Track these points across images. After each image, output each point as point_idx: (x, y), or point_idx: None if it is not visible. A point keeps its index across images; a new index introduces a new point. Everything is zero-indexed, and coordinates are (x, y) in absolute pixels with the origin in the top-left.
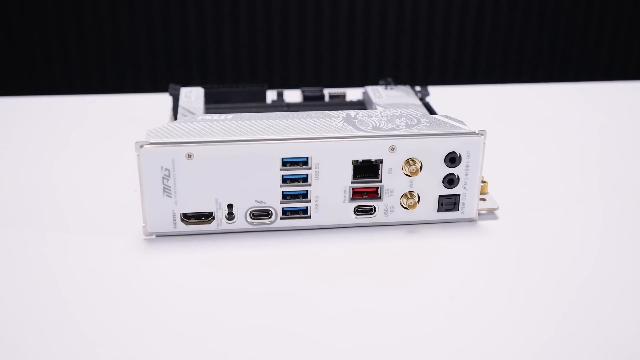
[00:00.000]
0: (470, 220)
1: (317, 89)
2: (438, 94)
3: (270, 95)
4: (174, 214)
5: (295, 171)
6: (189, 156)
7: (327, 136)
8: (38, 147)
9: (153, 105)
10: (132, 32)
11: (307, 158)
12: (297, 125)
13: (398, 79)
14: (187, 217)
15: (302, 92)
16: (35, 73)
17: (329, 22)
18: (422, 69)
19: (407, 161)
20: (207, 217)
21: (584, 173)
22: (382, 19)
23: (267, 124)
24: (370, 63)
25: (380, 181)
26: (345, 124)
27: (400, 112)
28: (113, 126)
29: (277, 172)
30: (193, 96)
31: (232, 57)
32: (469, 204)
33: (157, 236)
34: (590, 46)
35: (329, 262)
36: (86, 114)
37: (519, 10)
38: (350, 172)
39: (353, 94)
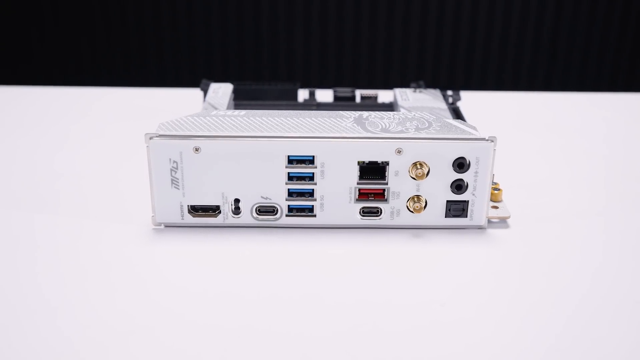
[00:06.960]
0: (480, 227)
1: (349, 89)
2: (463, 98)
3: (302, 95)
4: (182, 206)
5: (301, 169)
6: (197, 150)
7: (333, 136)
8: (56, 135)
9: (186, 99)
10: (159, 29)
11: (313, 157)
12: (306, 123)
13: (429, 83)
14: (194, 209)
15: (334, 92)
16: (67, 67)
17: (351, 24)
18: (447, 74)
19: (414, 164)
20: (214, 210)
21: (604, 185)
22: (405, 23)
23: (276, 121)
24: (397, 67)
25: (387, 183)
26: (354, 124)
27: (414, 115)
28: (136, 118)
29: (283, 170)
30: (221, 92)
31: (257, 55)
32: (478, 211)
33: (166, 226)
34: (625, 57)
35: (331, 262)
36: (109, 106)
37: (549, 17)
38: (357, 172)
39: (385, 95)
